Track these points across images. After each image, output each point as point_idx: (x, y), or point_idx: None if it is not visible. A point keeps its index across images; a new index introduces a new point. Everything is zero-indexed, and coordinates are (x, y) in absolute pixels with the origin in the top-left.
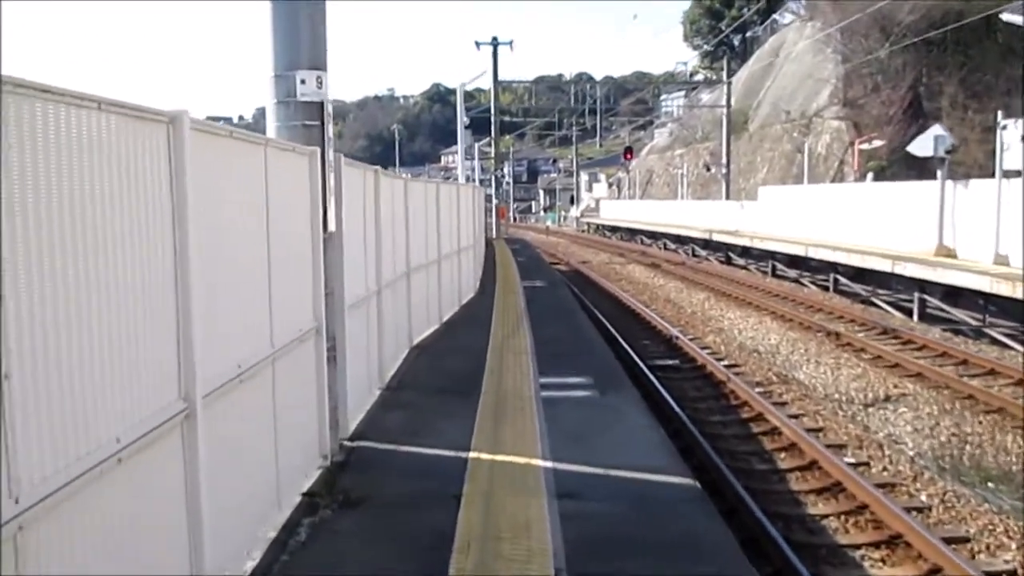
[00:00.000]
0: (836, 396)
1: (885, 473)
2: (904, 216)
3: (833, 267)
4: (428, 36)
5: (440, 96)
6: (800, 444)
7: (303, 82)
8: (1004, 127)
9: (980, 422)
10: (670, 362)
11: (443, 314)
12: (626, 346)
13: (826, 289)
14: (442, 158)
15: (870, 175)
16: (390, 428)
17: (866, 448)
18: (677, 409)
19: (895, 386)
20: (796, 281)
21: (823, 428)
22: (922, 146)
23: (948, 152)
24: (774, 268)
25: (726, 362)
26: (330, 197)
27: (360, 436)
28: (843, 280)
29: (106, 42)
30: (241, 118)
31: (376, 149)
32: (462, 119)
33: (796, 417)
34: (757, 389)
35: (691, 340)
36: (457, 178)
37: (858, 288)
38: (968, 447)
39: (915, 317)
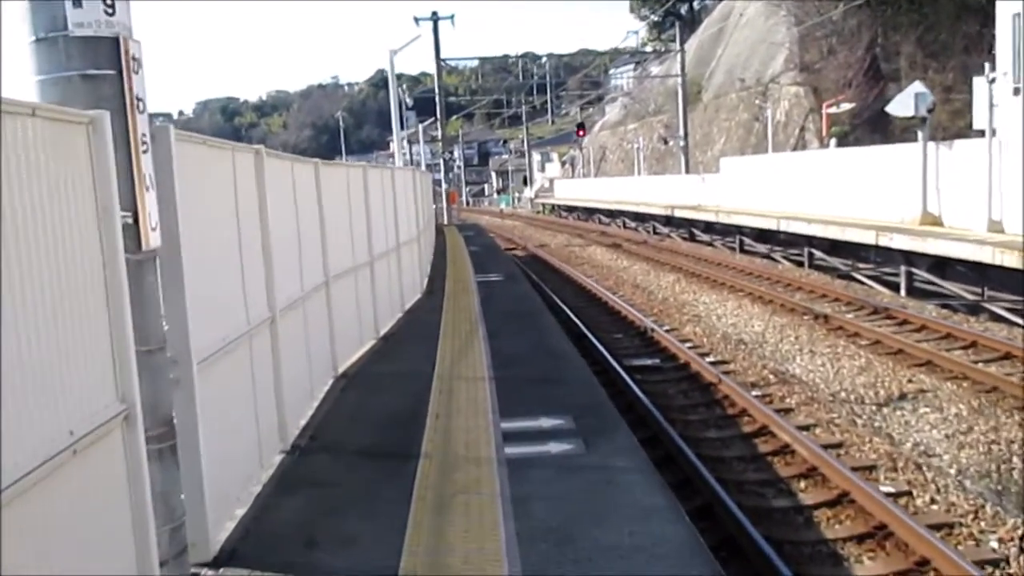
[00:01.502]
0: (843, 396)
1: (935, 507)
2: (882, 183)
3: (808, 240)
4: (371, 21)
5: (385, 82)
6: (823, 468)
7: (78, 4)
8: (993, 80)
9: (1021, 424)
10: (649, 362)
11: (380, 326)
12: (599, 346)
13: (800, 264)
14: (390, 145)
15: (833, 141)
16: (281, 533)
17: (901, 470)
18: (670, 431)
19: (909, 380)
20: (767, 257)
21: (842, 443)
22: (902, 105)
23: (930, 111)
24: (742, 243)
25: (712, 358)
26: (147, 193)
27: (231, 556)
28: (818, 254)
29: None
30: (181, 113)
31: (323, 139)
32: (395, 93)
33: (807, 428)
34: (754, 392)
35: (668, 332)
36: (414, 163)
37: (836, 262)
38: (1016, 460)
39: (903, 292)
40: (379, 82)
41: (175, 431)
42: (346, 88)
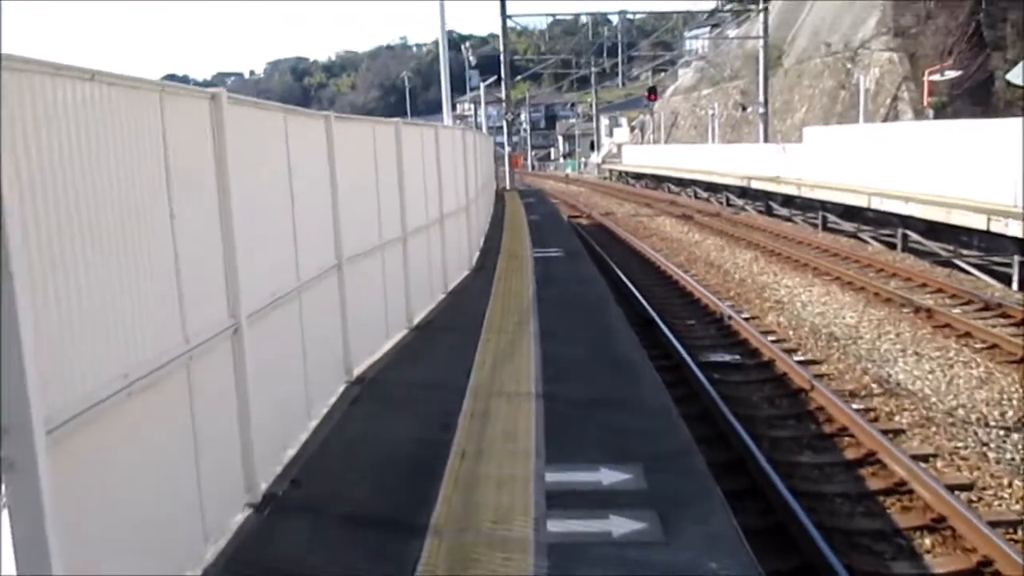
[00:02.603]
0: (962, 415)
1: None
2: (992, 161)
3: (902, 221)
4: None
5: (454, 43)
6: (953, 520)
7: None
8: None
9: None
10: (727, 357)
11: (414, 313)
12: (669, 335)
13: (892, 247)
14: (457, 106)
15: (930, 112)
16: None
17: None
18: (756, 454)
19: None
20: (854, 236)
21: (973, 483)
22: None
23: None
24: (825, 220)
25: (800, 355)
26: None
27: None
28: (914, 236)
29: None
30: (252, 73)
31: (391, 99)
32: (444, 44)
33: (926, 459)
34: (855, 405)
35: (748, 321)
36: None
37: (934, 246)
38: None
39: (1015, 285)
40: (448, 44)
41: None
42: (414, 49)
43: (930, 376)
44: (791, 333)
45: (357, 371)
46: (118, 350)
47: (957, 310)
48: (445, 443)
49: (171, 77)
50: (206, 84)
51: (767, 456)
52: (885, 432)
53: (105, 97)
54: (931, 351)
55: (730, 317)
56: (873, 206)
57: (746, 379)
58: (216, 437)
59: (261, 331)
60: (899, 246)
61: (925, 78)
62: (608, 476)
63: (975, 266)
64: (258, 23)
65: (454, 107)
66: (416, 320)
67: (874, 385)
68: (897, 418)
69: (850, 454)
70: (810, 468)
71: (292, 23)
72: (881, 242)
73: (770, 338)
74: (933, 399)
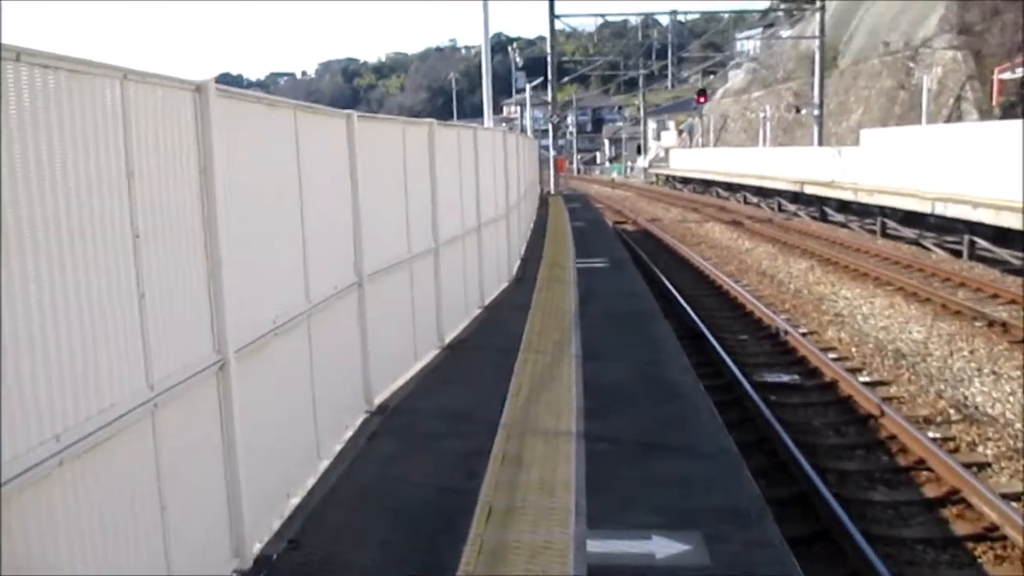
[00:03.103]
0: None
1: None
2: None
3: (969, 227)
4: None
5: (502, 46)
6: None
7: None
8: None
9: None
10: (786, 378)
11: (446, 332)
12: (721, 352)
13: (958, 255)
14: (504, 109)
15: (997, 112)
16: None
17: None
18: (822, 490)
19: None
20: (916, 243)
21: None
22: None
23: None
24: (884, 227)
25: (865, 375)
26: None
27: None
28: (982, 243)
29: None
30: (304, 73)
31: (438, 101)
32: (487, 43)
33: (1017, 498)
34: (932, 433)
35: (806, 336)
36: (521, 128)
37: (1005, 254)
38: None
39: None
40: (496, 46)
41: None
42: (463, 51)
43: (1011, 399)
44: (854, 350)
45: (379, 399)
46: (51, 410)
47: None
48: (471, 493)
49: (225, 76)
50: (259, 84)
51: (835, 493)
52: (968, 466)
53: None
54: (1010, 370)
55: (786, 332)
56: (937, 211)
57: (806, 402)
58: (191, 498)
59: (258, 365)
60: (965, 254)
61: (995, 76)
62: (662, 547)
63: None
64: (310, 24)
65: (500, 110)
66: (449, 339)
67: (951, 411)
68: (980, 449)
69: (930, 491)
70: (885, 508)
71: (343, 24)
72: (946, 249)
73: (831, 355)
74: (1018, 425)
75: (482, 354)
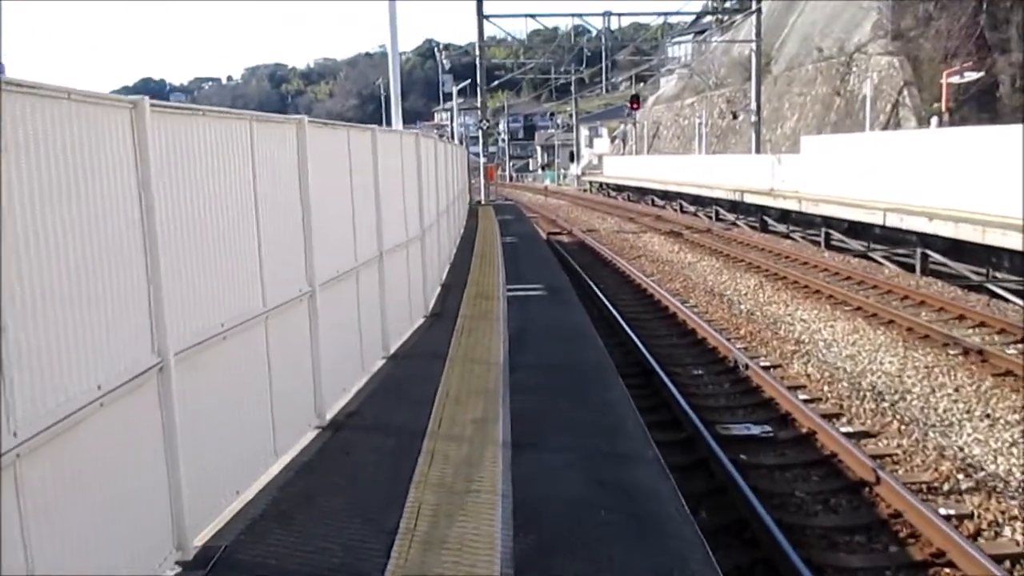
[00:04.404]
0: None
1: None
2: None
3: (922, 239)
4: None
5: (432, 52)
6: None
7: None
8: None
9: None
10: (755, 430)
11: (327, 405)
12: (680, 398)
13: (911, 269)
14: (435, 115)
15: (934, 120)
16: None
17: None
18: None
19: None
20: (864, 256)
21: None
22: None
23: None
24: (828, 238)
25: (845, 423)
26: None
27: None
28: (936, 257)
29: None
30: (230, 78)
31: (368, 108)
32: (395, 37)
33: None
34: (943, 509)
35: (768, 371)
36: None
37: (962, 268)
38: None
39: None
40: (426, 52)
41: None
42: None
43: (1014, 451)
44: (826, 388)
45: (198, 540)
46: None
47: (1012, 350)
48: None
49: (147, 81)
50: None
51: None
52: (998, 559)
53: None
54: (1004, 412)
55: (746, 366)
56: (889, 223)
57: (784, 462)
58: None
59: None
60: (918, 268)
61: (944, 80)
62: None
63: (1014, 292)
64: (236, 28)
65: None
66: (330, 415)
67: (953, 469)
68: (1008, 531)
69: None
70: None
71: (270, 29)
72: (896, 263)
73: (802, 396)
74: None
75: (374, 440)
